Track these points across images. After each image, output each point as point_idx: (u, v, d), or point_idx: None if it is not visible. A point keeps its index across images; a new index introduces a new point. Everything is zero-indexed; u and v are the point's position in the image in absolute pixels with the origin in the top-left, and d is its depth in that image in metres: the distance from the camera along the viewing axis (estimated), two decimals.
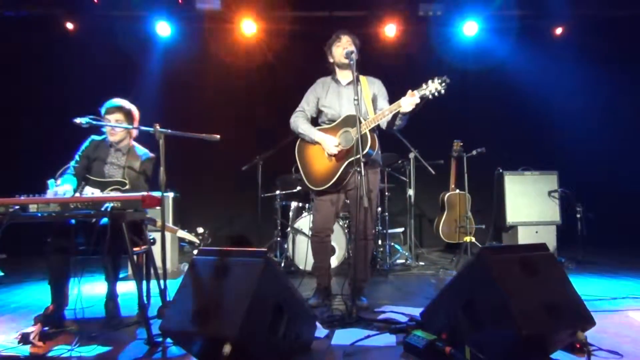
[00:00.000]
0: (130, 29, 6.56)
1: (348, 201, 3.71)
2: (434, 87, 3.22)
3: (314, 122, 3.70)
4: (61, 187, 2.94)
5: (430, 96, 3.24)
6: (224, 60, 6.78)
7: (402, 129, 3.55)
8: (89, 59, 6.50)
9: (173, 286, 2.73)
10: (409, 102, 3.22)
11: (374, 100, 3.60)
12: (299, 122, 3.61)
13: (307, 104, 3.68)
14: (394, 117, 3.37)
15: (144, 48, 6.72)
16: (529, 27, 6.83)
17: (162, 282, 3.10)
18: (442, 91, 3.22)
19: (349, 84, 3.61)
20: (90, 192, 3.05)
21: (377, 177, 3.70)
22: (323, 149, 3.51)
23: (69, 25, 6.64)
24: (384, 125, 3.51)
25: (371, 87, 3.61)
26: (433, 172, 5.12)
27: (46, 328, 2.86)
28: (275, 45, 6.77)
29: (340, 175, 3.44)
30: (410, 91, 3.25)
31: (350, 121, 3.43)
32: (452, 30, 6.88)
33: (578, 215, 5.35)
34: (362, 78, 3.62)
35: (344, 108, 3.55)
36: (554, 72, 6.72)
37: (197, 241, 3.50)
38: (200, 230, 3.63)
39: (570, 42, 6.82)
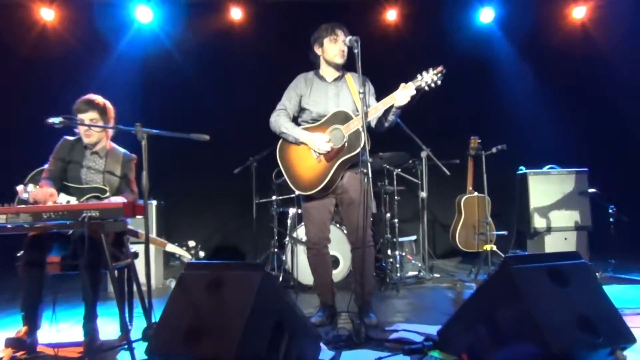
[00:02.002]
0: (107, 14, 6.57)
1: (339, 207, 3.73)
2: (429, 77, 3.34)
3: (295, 123, 3.72)
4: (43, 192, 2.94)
5: (427, 87, 3.36)
6: (212, 50, 6.80)
7: (393, 125, 3.61)
8: (61, 51, 6.53)
9: (159, 305, 2.72)
10: (404, 94, 3.32)
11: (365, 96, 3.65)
12: (281, 120, 3.62)
13: (288, 102, 3.70)
14: (386, 112, 3.47)
15: (121, 36, 6.73)
16: (550, 11, 6.86)
17: (146, 300, 3.10)
18: (439, 82, 3.35)
19: (335, 80, 3.69)
20: (65, 200, 3.06)
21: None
22: (309, 149, 3.53)
23: (46, 14, 6.64)
24: (373, 123, 3.58)
25: (357, 84, 3.65)
26: (448, 173, 5.12)
27: (17, 353, 2.85)
28: (269, 34, 6.78)
29: (331, 178, 3.47)
30: (403, 84, 3.35)
31: (340, 118, 3.50)
32: (465, 17, 6.90)
33: (611, 219, 5.35)
34: (348, 75, 3.71)
35: (331, 105, 3.60)
36: (581, 60, 6.74)
37: (189, 256, 3.51)
38: (192, 243, 3.63)
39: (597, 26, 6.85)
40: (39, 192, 2.99)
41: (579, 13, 6.87)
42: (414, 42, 6.81)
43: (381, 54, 6.51)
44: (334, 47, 3.57)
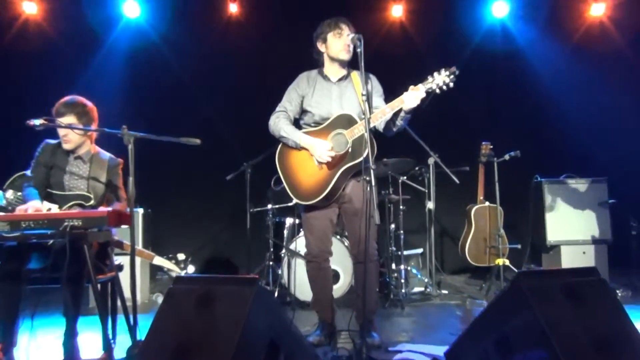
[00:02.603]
0: (92, 8, 6.59)
1: (342, 217, 3.74)
2: (440, 79, 3.34)
3: (296, 124, 3.73)
4: (30, 204, 2.95)
5: (438, 90, 3.35)
6: (205, 48, 6.82)
7: (401, 130, 3.61)
8: (44, 48, 6.56)
9: (145, 322, 2.73)
10: (413, 96, 3.32)
11: (368, 98, 3.63)
12: (281, 124, 3.63)
13: (289, 103, 3.70)
14: (395, 115, 3.46)
15: (107, 32, 6.76)
16: (568, 6, 6.90)
17: (131, 316, 3.11)
18: (451, 84, 3.34)
19: (340, 80, 3.68)
20: (46, 207, 3.07)
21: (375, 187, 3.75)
22: (310, 155, 3.53)
23: (28, 8, 6.67)
24: (381, 127, 3.59)
25: (363, 83, 3.64)
26: (457, 181, 5.13)
27: None
28: (267, 31, 6.81)
29: (333, 186, 3.47)
30: (412, 86, 3.35)
31: (344, 122, 3.49)
32: (476, 11, 6.93)
33: (633, 232, 5.36)
34: (354, 74, 3.70)
35: (335, 108, 3.59)
36: (601, 58, 6.76)
37: (178, 270, 3.51)
38: (181, 256, 3.64)
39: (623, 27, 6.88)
40: (32, 206, 3.01)
41: (597, 10, 6.89)
42: (420, 40, 6.84)
43: (385, 53, 6.55)
44: (338, 41, 3.57)
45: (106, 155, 3.58)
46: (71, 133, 3.40)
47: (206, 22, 6.87)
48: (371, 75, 3.69)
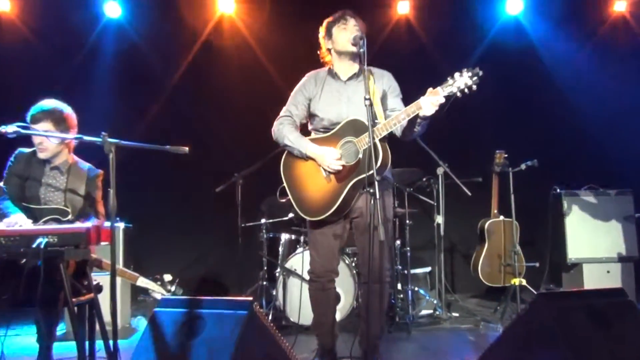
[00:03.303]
0: (70, 6, 6.60)
1: (353, 232, 3.70)
2: (462, 81, 3.22)
3: (305, 130, 3.71)
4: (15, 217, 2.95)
5: (459, 94, 3.23)
6: (190, 50, 6.84)
7: (421, 135, 3.57)
8: (18, 48, 6.56)
9: (125, 348, 2.72)
10: (430, 102, 3.22)
11: (383, 99, 3.61)
12: (285, 130, 3.60)
13: (294, 107, 3.67)
14: (411, 122, 3.38)
15: (88, 33, 6.76)
16: (590, 2, 6.93)
17: (111, 342, 3.09)
18: (474, 87, 3.22)
19: (351, 78, 3.62)
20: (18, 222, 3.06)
21: (391, 199, 3.72)
22: (318, 165, 3.50)
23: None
24: (398, 133, 3.53)
25: (379, 82, 3.62)
26: (469, 193, 5.13)
27: None
28: (260, 30, 6.83)
29: (343, 200, 3.42)
30: (431, 89, 3.26)
31: (354, 128, 3.42)
32: (488, 8, 6.96)
33: None
34: (368, 71, 3.62)
35: (346, 111, 3.54)
36: (626, 59, 6.78)
37: (164, 293, 3.49)
38: (168, 277, 3.62)
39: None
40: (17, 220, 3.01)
41: (620, 6, 6.92)
42: (428, 39, 6.86)
43: (391, 53, 6.57)
44: (344, 33, 3.52)
45: (85, 165, 3.58)
46: (47, 141, 3.40)
47: (192, 23, 6.88)
48: (386, 73, 3.68)
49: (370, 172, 3.14)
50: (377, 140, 3.30)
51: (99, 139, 2.99)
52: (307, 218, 3.54)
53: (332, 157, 3.42)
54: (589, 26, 6.97)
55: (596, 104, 6.65)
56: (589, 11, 6.96)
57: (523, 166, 5.35)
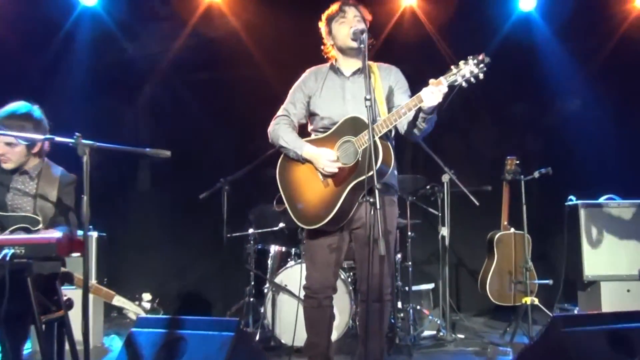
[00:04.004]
0: None
1: (352, 244, 3.69)
2: (468, 70, 3.20)
3: (304, 132, 3.70)
4: None
5: (464, 83, 3.22)
6: (177, 41, 6.84)
7: (428, 135, 3.56)
8: None
9: None
10: (431, 91, 3.22)
11: (390, 96, 3.60)
12: (281, 131, 3.60)
13: (292, 106, 3.67)
14: (415, 117, 3.38)
15: (60, 24, 6.73)
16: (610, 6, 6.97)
17: None
18: (481, 75, 3.22)
19: (355, 74, 3.62)
20: None
21: (395, 209, 3.71)
22: (315, 169, 3.50)
23: None
24: (402, 129, 3.52)
25: (385, 77, 3.62)
26: (477, 203, 5.14)
27: None
28: (251, 20, 6.83)
29: (341, 206, 3.41)
30: (433, 79, 3.24)
31: (354, 126, 3.41)
32: (499, 3, 6.99)
33: None
34: (373, 66, 3.61)
35: (348, 109, 3.52)
36: None
37: (143, 313, 3.48)
38: (148, 296, 3.60)
39: None
40: None
41: None
42: (435, 34, 6.88)
43: (395, 48, 6.58)
44: (343, 27, 3.51)
45: (58, 170, 3.56)
46: (11, 151, 3.37)
47: (177, 12, 6.87)
48: (394, 68, 3.68)
49: (370, 173, 3.12)
50: (377, 138, 3.27)
51: (72, 140, 2.97)
52: (303, 226, 3.52)
53: (327, 157, 3.41)
54: (610, 25, 6.99)
55: (616, 108, 6.68)
56: (610, 5, 6.99)
57: (536, 174, 5.36)
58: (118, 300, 3.54)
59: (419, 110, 3.30)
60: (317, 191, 3.48)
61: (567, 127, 6.80)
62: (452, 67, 3.23)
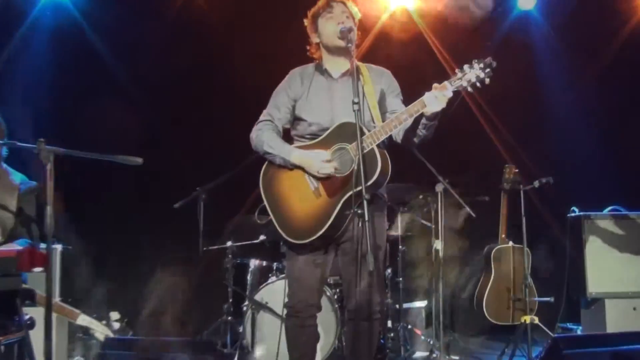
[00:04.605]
0: None
1: (338, 259, 3.68)
2: (474, 74, 3.24)
3: (288, 137, 3.69)
4: None
5: (470, 88, 3.26)
6: (152, 35, 6.82)
7: (426, 142, 3.57)
8: None
9: None
10: (436, 96, 3.23)
11: (382, 100, 3.61)
12: (265, 136, 3.58)
13: (276, 110, 3.66)
14: (415, 124, 3.38)
15: (19, 18, 6.70)
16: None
17: None
18: (487, 80, 3.25)
19: (344, 75, 3.62)
20: None
21: (385, 221, 3.72)
22: (304, 177, 3.48)
23: None
24: (399, 138, 3.52)
25: (377, 80, 3.63)
26: (473, 214, 5.17)
27: None
28: (232, 15, 6.83)
29: (335, 220, 3.40)
30: (436, 84, 3.26)
31: (347, 133, 3.40)
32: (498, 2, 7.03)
33: None
34: (362, 67, 3.62)
35: (338, 114, 3.52)
36: None
37: (110, 333, 3.46)
38: (115, 316, 3.58)
39: None
40: None
41: None
42: (429, 35, 6.90)
43: (386, 48, 6.60)
44: (330, 24, 3.51)
45: (18, 176, 3.55)
46: None
47: (154, 3, 6.87)
48: (385, 71, 3.70)
49: (368, 182, 3.13)
50: (374, 146, 3.29)
51: (34, 146, 2.97)
52: (292, 241, 3.48)
53: (320, 159, 3.37)
54: (614, 21, 7.05)
55: (621, 113, 6.73)
56: (613, 3, 7.05)
57: (536, 183, 5.39)
58: (84, 320, 3.52)
59: (421, 116, 3.31)
60: (307, 202, 3.46)
61: (569, 132, 6.83)
62: (457, 71, 3.26)
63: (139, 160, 3.06)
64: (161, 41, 6.80)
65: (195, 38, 6.83)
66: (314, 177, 3.43)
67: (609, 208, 5.89)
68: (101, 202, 6.57)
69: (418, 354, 5.42)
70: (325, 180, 3.41)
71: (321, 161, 3.38)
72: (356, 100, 3.15)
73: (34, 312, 3.47)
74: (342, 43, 3.43)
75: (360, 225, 3.09)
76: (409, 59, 6.41)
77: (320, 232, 3.38)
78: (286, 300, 3.68)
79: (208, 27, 6.84)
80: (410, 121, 3.34)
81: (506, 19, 7.01)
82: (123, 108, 6.71)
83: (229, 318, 5.32)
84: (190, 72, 6.81)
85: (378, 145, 3.33)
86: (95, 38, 6.75)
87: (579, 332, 5.88)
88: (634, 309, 5.65)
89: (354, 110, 3.15)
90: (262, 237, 5.31)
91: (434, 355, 5.39)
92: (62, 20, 6.72)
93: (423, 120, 3.33)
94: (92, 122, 6.51)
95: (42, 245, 2.95)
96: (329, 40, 3.55)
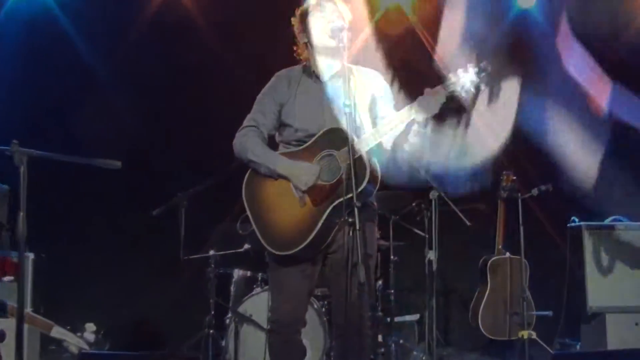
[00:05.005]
0: None
1: (326, 270, 3.68)
2: (467, 78, 3.25)
3: (272, 144, 3.68)
4: None
5: (464, 93, 3.27)
6: (129, 31, 6.81)
7: (418, 149, 3.57)
8: None
9: None
10: (428, 102, 3.25)
11: (372, 105, 3.60)
12: (250, 144, 3.56)
13: (262, 115, 3.63)
14: (406, 130, 3.38)
15: None
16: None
17: None
18: (482, 85, 3.27)
19: (333, 77, 3.59)
20: None
21: (375, 232, 3.71)
22: (290, 186, 3.48)
23: None
24: (388, 144, 3.52)
25: (367, 83, 3.61)
26: (468, 223, 5.18)
27: None
28: (215, 9, 6.83)
29: (321, 229, 3.39)
30: (428, 89, 3.27)
31: (335, 139, 3.40)
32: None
33: None
34: (351, 69, 3.58)
35: (326, 119, 3.50)
36: None
37: (86, 346, 3.44)
38: (91, 327, 3.56)
39: None
40: None
41: None
42: (423, 33, 6.92)
43: (378, 47, 6.61)
44: (320, 23, 3.48)
45: None
46: None
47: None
48: (376, 73, 3.67)
49: (360, 188, 3.13)
50: (363, 153, 3.28)
51: (7, 148, 2.95)
52: (275, 252, 3.46)
53: (309, 173, 3.37)
54: (618, 20, 7.08)
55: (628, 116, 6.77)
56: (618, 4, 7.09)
57: (535, 191, 5.41)
58: (57, 332, 3.50)
59: (411, 122, 3.31)
60: (291, 211, 3.44)
61: (572, 137, 6.86)
62: (451, 75, 3.27)
63: (118, 164, 3.05)
64: (143, 36, 6.79)
65: (177, 34, 6.81)
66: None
67: (610, 218, 5.92)
68: (77, 209, 6.54)
69: None
70: (310, 188, 3.41)
71: (310, 175, 3.38)
72: (347, 102, 3.15)
73: (5, 324, 3.46)
74: (332, 43, 3.40)
75: (350, 234, 3.09)
76: (402, 57, 6.45)
77: (305, 243, 3.36)
78: (269, 314, 3.67)
79: (191, 21, 6.82)
80: (401, 127, 3.34)
81: (505, 17, 7.03)
82: (102, 110, 6.70)
83: (211, 331, 5.29)
84: (173, 70, 6.80)
85: (369, 152, 3.33)
86: (70, 27, 6.72)
87: (578, 349, 5.90)
88: (637, 324, 5.67)
89: (345, 113, 3.16)
90: (246, 246, 5.29)
91: None
92: (36, 10, 6.69)
93: (414, 127, 3.34)
94: (69, 122, 6.50)
95: (14, 254, 2.93)
96: (319, 40, 3.52)
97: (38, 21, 6.68)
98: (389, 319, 5.44)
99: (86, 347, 3.42)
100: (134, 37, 6.77)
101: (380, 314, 5.43)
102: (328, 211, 3.34)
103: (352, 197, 3.11)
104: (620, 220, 5.90)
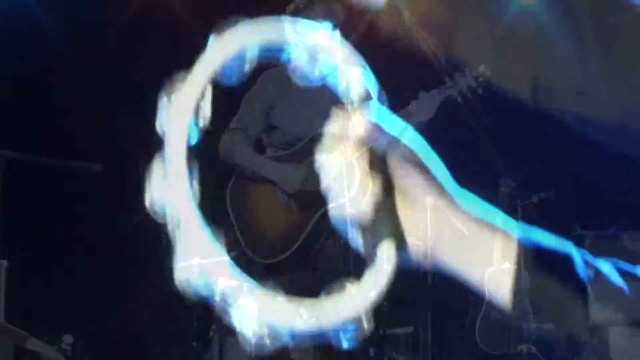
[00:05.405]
0: None
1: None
2: (464, 83, 3.29)
3: (259, 147, 3.69)
4: None
5: (460, 98, 3.30)
6: (116, 19, 6.81)
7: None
8: None
9: None
10: (424, 106, 3.27)
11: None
12: (235, 146, 3.58)
13: (249, 117, 3.67)
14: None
15: None
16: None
17: None
18: (479, 90, 3.29)
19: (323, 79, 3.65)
20: None
21: None
22: (276, 191, 3.49)
23: None
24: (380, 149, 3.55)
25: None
26: (465, 232, 5.18)
27: None
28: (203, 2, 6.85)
29: (307, 237, 3.41)
30: (423, 92, 3.30)
31: (326, 143, 3.43)
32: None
33: None
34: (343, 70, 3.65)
35: (316, 121, 3.52)
36: None
37: (63, 359, 3.43)
38: (68, 339, 3.56)
39: None
40: None
41: None
42: (419, 33, 6.94)
43: (371, 46, 6.62)
44: (311, 22, 3.55)
45: None
46: None
47: None
48: (369, 74, 3.69)
49: (348, 196, 3.14)
50: (354, 158, 3.28)
51: None
52: (260, 260, 3.49)
53: (297, 178, 3.39)
54: (622, 17, 7.12)
55: (629, 122, 6.79)
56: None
57: (535, 198, 5.42)
58: (32, 344, 3.50)
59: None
60: (277, 218, 3.47)
61: (571, 144, 6.87)
62: (447, 79, 3.30)
63: (98, 166, 3.06)
64: (123, 26, 6.80)
65: (160, 24, 6.82)
66: (286, 191, 3.44)
67: (613, 227, 5.94)
68: (53, 213, 6.53)
69: None
70: (297, 193, 3.42)
71: (297, 179, 3.38)
72: (340, 104, 3.17)
73: None
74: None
75: (341, 242, 3.10)
76: (397, 58, 6.47)
77: (290, 251, 3.39)
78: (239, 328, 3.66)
79: (175, 14, 6.83)
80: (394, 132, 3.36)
81: (506, 14, 7.06)
82: (84, 106, 6.69)
83: (194, 343, 5.29)
84: (156, 64, 6.79)
85: (360, 157, 3.35)
86: (48, 15, 6.72)
87: None
88: None
89: (337, 115, 3.17)
90: (232, 253, 5.28)
91: None
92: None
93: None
94: (46, 120, 6.48)
95: None
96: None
97: (11, 12, 6.66)
98: (381, 332, 5.43)
99: (61, 357, 3.41)
100: (120, 23, 6.78)
101: (372, 326, 5.43)
102: (315, 219, 3.36)
103: (344, 203, 3.11)
104: (623, 229, 5.91)
